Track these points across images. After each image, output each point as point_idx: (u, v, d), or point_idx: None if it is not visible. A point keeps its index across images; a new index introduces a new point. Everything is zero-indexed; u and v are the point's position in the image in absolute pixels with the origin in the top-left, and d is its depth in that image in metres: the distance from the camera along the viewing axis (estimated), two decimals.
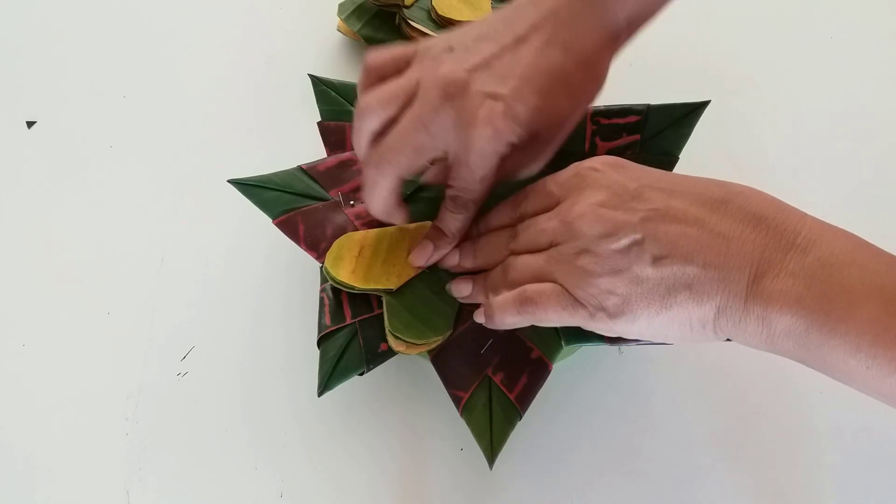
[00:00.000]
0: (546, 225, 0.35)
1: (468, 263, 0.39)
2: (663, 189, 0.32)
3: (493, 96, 0.33)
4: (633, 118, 0.43)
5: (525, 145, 0.36)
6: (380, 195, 0.37)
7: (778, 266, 0.29)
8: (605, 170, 0.34)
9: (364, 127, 0.36)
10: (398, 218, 0.39)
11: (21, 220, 0.51)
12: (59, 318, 0.47)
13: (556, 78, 0.34)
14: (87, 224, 0.50)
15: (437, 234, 0.39)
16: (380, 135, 0.36)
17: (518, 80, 0.34)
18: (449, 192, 0.38)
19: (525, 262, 0.35)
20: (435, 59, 0.35)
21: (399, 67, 0.36)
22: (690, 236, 0.31)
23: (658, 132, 0.43)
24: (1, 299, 0.48)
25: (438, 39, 0.37)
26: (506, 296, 0.35)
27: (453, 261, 0.39)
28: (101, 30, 0.59)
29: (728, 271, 0.30)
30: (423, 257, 0.39)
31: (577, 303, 0.33)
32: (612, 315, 0.32)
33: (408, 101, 0.35)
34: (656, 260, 0.31)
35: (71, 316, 0.47)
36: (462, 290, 0.39)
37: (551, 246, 0.34)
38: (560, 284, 0.33)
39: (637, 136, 0.43)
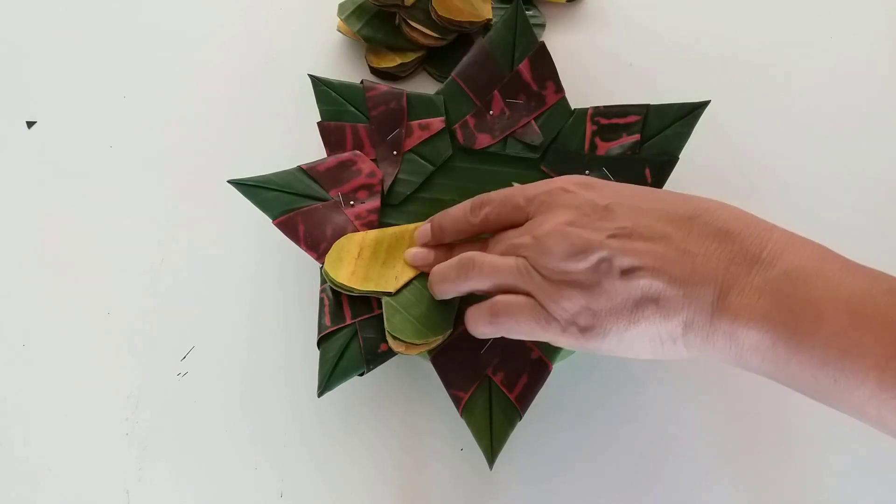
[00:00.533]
0: (517, 241, 0.34)
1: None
2: (632, 207, 0.33)
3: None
4: (633, 118, 0.43)
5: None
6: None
7: (743, 281, 0.29)
8: (575, 190, 0.34)
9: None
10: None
11: (21, 219, 0.51)
12: (59, 318, 0.47)
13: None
14: (88, 224, 0.50)
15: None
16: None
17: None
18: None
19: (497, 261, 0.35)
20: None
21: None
22: (656, 253, 0.31)
23: (658, 132, 0.43)
24: (1, 299, 0.48)
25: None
26: (479, 306, 0.36)
27: (426, 261, 0.39)
28: (101, 30, 0.59)
29: (693, 287, 0.30)
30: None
31: (549, 317, 0.32)
32: (583, 329, 0.32)
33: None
34: (624, 273, 0.31)
35: (71, 316, 0.47)
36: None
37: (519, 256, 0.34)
38: (533, 298, 0.33)
39: (637, 136, 0.43)
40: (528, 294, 0.33)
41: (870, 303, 0.27)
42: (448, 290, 0.37)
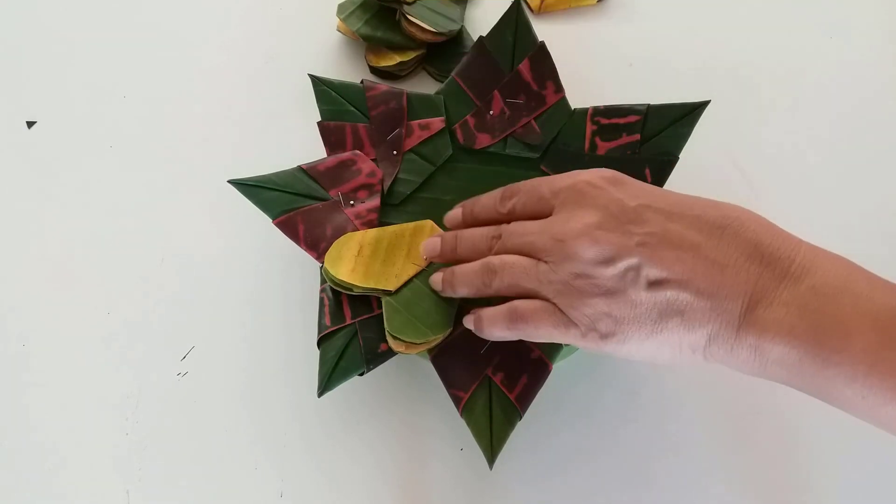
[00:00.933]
0: (536, 238, 0.33)
1: (448, 255, 0.38)
2: (661, 210, 0.32)
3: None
4: (633, 118, 0.43)
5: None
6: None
7: (771, 295, 0.29)
8: (604, 186, 0.33)
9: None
10: None
11: (21, 219, 0.51)
12: (59, 318, 0.47)
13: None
14: (87, 224, 0.50)
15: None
16: None
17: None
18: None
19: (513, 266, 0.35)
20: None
21: None
22: (686, 262, 0.30)
23: (658, 132, 0.43)
24: (1, 299, 0.48)
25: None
26: (497, 309, 0.35)
27: (435, 251, 0.39)
28: (101, 30, 0.59)
29: (721, 300, 0.30)
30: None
31: (569, 322, 0.32)
32: (604, 336, 0.32)
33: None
34: (651, 285, 0.31)
35: (71, 316, 0.47)
36: (437, 281, 0.38)
37: (539, 260, 0.34)
38: (552, 303, 0.33)
39: (637, 136, 0.43)
40: (546, 299, 0.33)
41: None
42: (471, 293, 0.36)
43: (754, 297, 0.29)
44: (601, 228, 0.31)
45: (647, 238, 0.31)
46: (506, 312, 0.34)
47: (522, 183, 0.37)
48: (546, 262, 0.33)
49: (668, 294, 0.30)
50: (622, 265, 0.31)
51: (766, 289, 0.29)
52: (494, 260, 0.35)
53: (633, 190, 0.33)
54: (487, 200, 0.38)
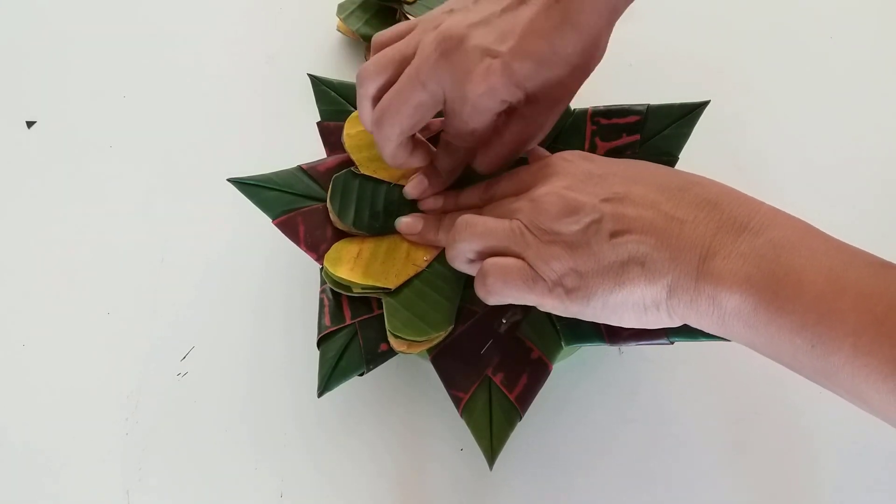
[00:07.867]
0: (514, 205, 0.35)
1: (430, 235, 0.40)
2: (626, 176, 0.34)
3: (491, 53, 0.34)
4: (633, 118, 0.43)
5: (524, 109, 0.37)
6: (390, 153, 0.38)
7: (729, 247, 0.30)
8: (573, 160, 0.36)
9: (364, 93, 0.37)
10: (418, 160, 0.40)
11: (21, 220, 0.51)
12: (59, 318, 0.47)
13: (554, 42, 0.34)
14: (87, 224, 0.50)
15: (430, 172, 0.41)
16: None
17: (517, 39, 0.34)
18: (443, 137, 0.39)
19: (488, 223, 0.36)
20: (434, 19, 0.36)
21: (402, 37, 0.37)
22: (645, 218, 0.32)
23: (658, 132, 0.43)
24: (1, 299, 0.48)
25: (439, 7, 0.37)
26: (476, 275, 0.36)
27: (416, 228, 0.40)
28: (101, 30, 0.59)
29: (679, 251, 0.31)
30: (418, 189, 0.41)
31: (537, 276, 0.33)
32: (569, 291, 0.32)
33: (405, 62, 0.36)
34: (613, 235, 0.32)
35: (71, 316, 0.47)
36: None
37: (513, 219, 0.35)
38: (522, 258, 0.34)
39: (637, 136, 0.43)
40: (518, 256, 0.34)
41: (850, 273, 0.28)
42: (450, 257, 0.37)
43: (713, 249, 0.30)
44: (569, 189, 0.34)
45: (611, 196, 0.33)
46: (479, 272, 0.35)
47: (504, 174, 0.39)
48: (518, 219, 0.34)
49: (630, 245, 0.31)
50: (586, 219, 0.32)
51: (725, 242, 0.30)
52: (467, 216, 0.36)
53: (600, 161, 0.36)
54: (473, 189, 0.41)
